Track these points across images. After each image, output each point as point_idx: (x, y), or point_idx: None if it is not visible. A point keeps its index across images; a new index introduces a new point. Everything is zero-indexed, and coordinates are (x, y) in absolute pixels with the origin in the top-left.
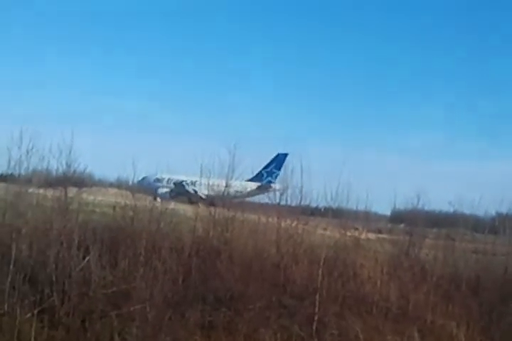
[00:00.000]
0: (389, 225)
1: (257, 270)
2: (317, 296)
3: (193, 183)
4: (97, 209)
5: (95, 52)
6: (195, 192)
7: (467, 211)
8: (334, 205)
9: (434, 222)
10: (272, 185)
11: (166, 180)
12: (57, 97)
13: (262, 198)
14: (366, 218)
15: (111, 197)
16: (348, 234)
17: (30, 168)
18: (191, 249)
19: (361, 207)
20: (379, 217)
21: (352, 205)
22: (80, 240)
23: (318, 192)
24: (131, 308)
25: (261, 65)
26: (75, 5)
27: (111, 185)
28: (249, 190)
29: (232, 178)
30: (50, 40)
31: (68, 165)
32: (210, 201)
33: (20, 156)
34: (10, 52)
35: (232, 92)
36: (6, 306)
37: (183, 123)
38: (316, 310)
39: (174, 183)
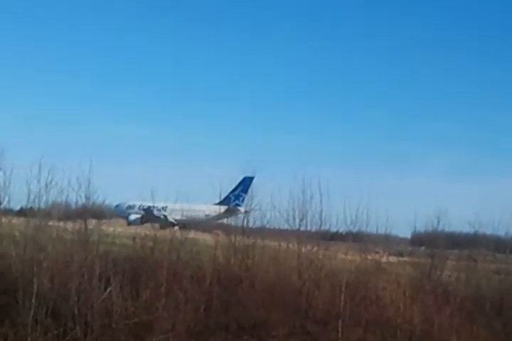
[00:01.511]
0: (410, 248)
1: (279, 296)
2: (340, 321)
3: (164, 209)
4: (117, 241)
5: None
6: (165, 216)
7: (488, 231)
8: (354, 229)
9: (455, 243)
10: (239, 208)
11: (137, 206)
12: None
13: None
14: (387, 241)
15: (130, 228)
16: (369, 257)
17: (50, 201)
18: (212, 277)
19: (381, 231)
20: (399, 240)
21: (372, 229)
22: (101, 271)
23: (338, 217)
24: (154, 339)
25: (276, 86)
26: None
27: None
28: (217, 213)
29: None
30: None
31: (87, 198)
32: (182, 225)
33: (40, 190)
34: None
35: (250, 117)
36: (29, 340)
37: (199, 149)
38: (340, 335)
39: (143, 209)
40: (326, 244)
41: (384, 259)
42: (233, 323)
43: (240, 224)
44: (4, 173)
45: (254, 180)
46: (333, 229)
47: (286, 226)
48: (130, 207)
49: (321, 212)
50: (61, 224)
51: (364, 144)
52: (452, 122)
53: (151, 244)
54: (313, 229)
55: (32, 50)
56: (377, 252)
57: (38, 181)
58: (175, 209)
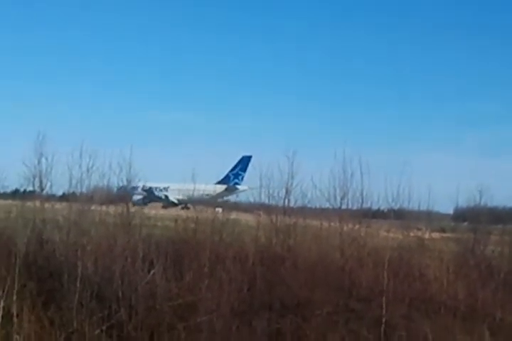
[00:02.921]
0: (452, 224)
1: (321, 275)
2: (383, 298)
3: (166, 189)
4: (159, 223)
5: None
6: (166, 197)
7: None
8: (396, 206)
9: (498, 218)
10: (239, 186)
11: (140, 187)
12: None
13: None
14: (429, 218)
15: (172, 210)
16: (412, 234)
17: (92, 186)
18: (255, 258)
19: (423, 207)
20: (442, 216)
21: (414, 205)
22: (144, 254)
23: (379, 194)
24: (198, 320)
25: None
26: None
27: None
28: (217, 192)
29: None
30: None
31: (129, 181)
32: (185, 205)
33: (81, 175)
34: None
35: (288, 97)
36: (74, 323)
37: (239, 132)
38: (384, 312)
39: (145, 190)
40: (367, 222)
41: (426, 236)
42: (277, 303)
43: (281, 203)
44: (46, 159)
45: (254, 159)
46: (375, 207)
47: (327, 205)
48: (133, 188)
49: (362, 189)
50: (103, 208)
51: (404, 122)
52: (488, 100)
53: (193, 225)
54: (355, 207)
55: (69, 39)
56: (419, 229)
57: (80, 166)
58: (176, 189)
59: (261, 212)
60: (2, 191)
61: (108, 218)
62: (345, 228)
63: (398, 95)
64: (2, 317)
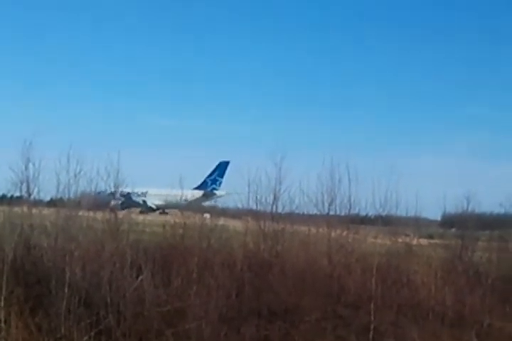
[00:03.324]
0: (440, 230)
1: (310, 281)
2: (372, 305)
3: (144, 194)
4: (147, 229)
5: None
6: (145, 202)
7: None
8: (384, 212)
9: (485, 224)
10: (216, 192)
11: (118, 193)
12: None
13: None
14: (417, 224)
15: (160, 216)
16: (400, 240)
17: (79, 191)
18: (243, 264)
19: (411, 213)
20: (430, 222)
21: (401, 212)
22: (132, 260)
23: (367, 200)
24: (187, 326)
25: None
26: None
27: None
28: (195, 197)
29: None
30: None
31: (116, 187)
32: (162, 210)
33: (69, 180)
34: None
35: (277, 101)
36: (62, 329)
37: (226, 136)
38: (372, 318)
39: (122, 195)
40: (355, 228)
41: (414, 242)
42: (265, 309)
43: (269, 209)
44: (33, 165)
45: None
46: (363, 213)
47: (315, 211)
48: (111, 194)
49: (350, 195)
50: (91, 213)
51: (391, 127)
52: (478, 105)
53: (181, 231)
54: (343, 213)
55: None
56: (407, 235)
57: (67, 171)
58: (154, 195)
59: (249, 218)
60: None
61: (96, 224)
62: (333, 234)
63: (387, 98)
64: None
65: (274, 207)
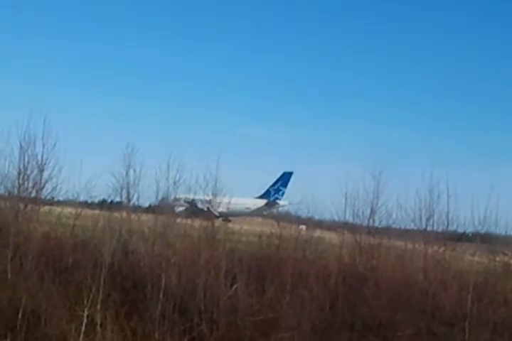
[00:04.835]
0: None
1: (404, 296)
2: (467, 323)
3: (207, 201)
4: (243, 238)
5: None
6: (208, 209)
7: None
8: (482, 230)
9: None
10: (279, 201)
11: (182, 199)
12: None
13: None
14: None
15: (256, 226)
16: (497, 259)
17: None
18: (338, 276)
19: (511, 232)
20: None
21: (501, 230)
22: (227, 268)
23: (466, 217)
24: (279, 336)
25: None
26: None
27: (261, 214)
28: (257, 206)
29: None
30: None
31: (214, 195)
32: (225, 217)
33: (168, 187)
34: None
35: (375, 116)
36: (156, 335)
37: (327, 147)
38: (466, 336)
39: (187, 202)
40: (452, 245)
41: None
42: (358, 322)
43: (365, 223)
44: (134, 171)
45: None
46: (461, 230)
47: (412, 226)
48: (176, 200)
49: (448, 212)
50: (189, 221)
51: (491, 144)
52: None
53: (276, 241)
54: (440, 230)
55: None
56: (505, 254)
57: (167, 179)
58: (218, 202)
59: (345, 231)
60: (90, 201)
61: (193, 231)
62: (429, 250)
63: (491, 114)
64: (86, 325)
65: (371, 220)
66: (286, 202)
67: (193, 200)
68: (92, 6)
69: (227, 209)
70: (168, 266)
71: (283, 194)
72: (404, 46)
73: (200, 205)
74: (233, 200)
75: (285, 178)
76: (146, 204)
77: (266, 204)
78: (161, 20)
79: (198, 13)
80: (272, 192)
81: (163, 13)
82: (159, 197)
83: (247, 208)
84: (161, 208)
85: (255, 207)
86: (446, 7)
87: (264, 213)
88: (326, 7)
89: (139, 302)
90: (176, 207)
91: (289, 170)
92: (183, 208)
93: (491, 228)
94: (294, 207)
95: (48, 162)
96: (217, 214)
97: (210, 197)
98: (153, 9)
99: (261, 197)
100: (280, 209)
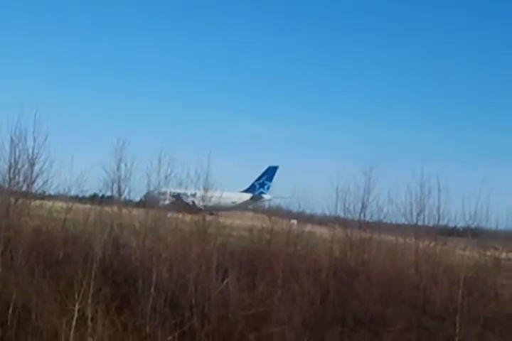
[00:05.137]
0: None
1: (395, 291)
2: (457, 317)
3: (193, 195)
4: (234, 233)
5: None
6: (193, 203)
7: None
8: (473, 225)
9: None
10: (264, 195)
11: (168, 193)
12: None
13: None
14: (506, 237)
15: (247, 220)
16: (488, 253)
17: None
18: (329, 271)
19: (501, 226)
20: None
21: (491, 225)
22: (218, 263)
23: (456, 212)
24: (270, 330)
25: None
26: None
27: (246, 208)
28: (243, 200)
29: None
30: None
31: (205, 190)
32: (209, 211)
33: (159, 182)
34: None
35: (368, 110)
36: (147, 328)
37: (318, 142)
38: (457, 331)
39: (173, 196)
40: (443, 239)
41: (503, 255)
42: (349, 317)
43: (356, 217)
44: (125, 165)
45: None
46: (451, 224)
47: (403, 221)
48: (161, 194)
49: (439, 206)
50: (180, 215)
51: (482, 140)
52: None
53: (267, 236)
54: (431, 224)
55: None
56: (496, 248)
57: (158, 173)
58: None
59: (336, 225)
60: (81, 195)
61: (184, 226)
62: (420, 244)
63: (482, 109)
64: (77, 319)
65: (362, 215)
66: (271, 196)
67: (179, 194)
68: (89, 3)
69: (213, 203)
70: (159, 261)
71: (268, 188)
72: (402, 45)
73: (185, 199)
74: (218, 194)
75: (270, 172)
76: (137, 199)
77: (251, 199)
78: (159, 18)
79: (197, 11)
80: (257, 186)
81: (161, 11)
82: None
83: (232, 202)
84: (147, 202)
85: (240, 201)
86: (447, 7)
87: (249, 207)
88: (326, 7)
89: (130, 296)
90: (161, 201)
91: (277, 164)
92: (169, 202)
93: (482, 222)
94: (285, 201)
95: (38, 156)
96: (203, 207)
97: (196, 191)
98: (150, 7)
99: (246, 191)
100: (269, 203)
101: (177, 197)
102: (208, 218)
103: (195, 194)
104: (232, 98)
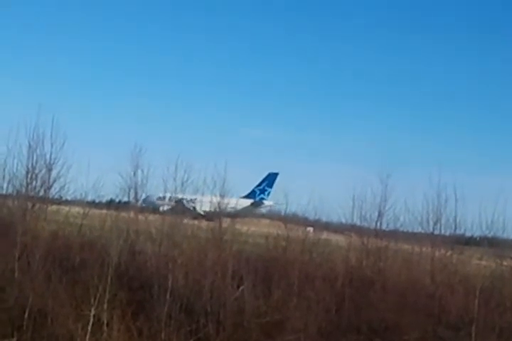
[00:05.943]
0: None
1: (411, 300)
2: (473, 327)
3: (193, 201)
4: (250, 240)
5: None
6: (194, 208)
7: None
8: (490, 234)
9: None
10: (264, 201)
11: (167, 198)
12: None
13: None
14: None
15: (263, 227)
16: (505, 263)
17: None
18: (344, 279)
19: None
20: None
21: (509, 234)
22: (234, 270)
23: (473, 221)
24: (285, 338)
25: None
26: None
27: (263, 215)
28: (243, 206)
29: None
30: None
31: (222, 196)
32: (209, 217)
33: (176, 188)
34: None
35: (384, 117)
36: (162, 335)
37: (335, 149)
38: None
39: (175, 201)
40: (460, 249)
41: None
42: (364, 325)
43: (372, 226)
44: (142, 171)
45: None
46: (468, 234)
47: (419, 230)
48: (160, 199)
49: (456, 215)
50: (196, 222)
51: (499, 148)
52: None
53: (283, 243)
54: (448, 233)
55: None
56: None
57: (174, 179)
58: (203, 202)
59: (352, 234)
60: (97, 200)
61: (200, 232)
62: (436, 253)
63: (498, 116)
64: (92, 324)
65: (379, 223)
66: (271, 202)
67: (180, 199)
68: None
69: (213, 208)
70: (174, 267)
71: (268, 194)
72: (421, 51)
73: (186, 204)
74: (217, 199)
75: (271, 179)
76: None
77: (251, 204)
78: (177, 22)
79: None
80: (258, 192)
81: (174, 13)
82: (143, 196)
83: (232, 207)
84: (146, 207)
85: (240, 206)
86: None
87: (263, 212)
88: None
89: (145, 302)
90: (160, 207)
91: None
92: (169, 207)
93: (499, 232)
94: (302, 208)
95: (56, 161)
96: (203, 213)
97: (196, 196)
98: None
99: (246, 196)
100: (267, 209)
101: (178, 202)
102: (224, 225)
103: (195, 199)
104: (242, 103)
